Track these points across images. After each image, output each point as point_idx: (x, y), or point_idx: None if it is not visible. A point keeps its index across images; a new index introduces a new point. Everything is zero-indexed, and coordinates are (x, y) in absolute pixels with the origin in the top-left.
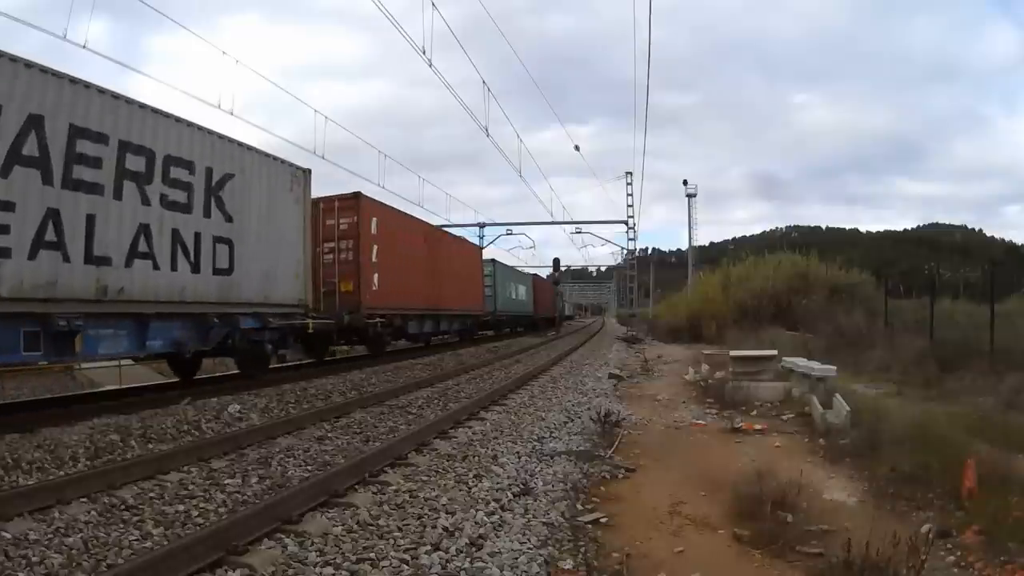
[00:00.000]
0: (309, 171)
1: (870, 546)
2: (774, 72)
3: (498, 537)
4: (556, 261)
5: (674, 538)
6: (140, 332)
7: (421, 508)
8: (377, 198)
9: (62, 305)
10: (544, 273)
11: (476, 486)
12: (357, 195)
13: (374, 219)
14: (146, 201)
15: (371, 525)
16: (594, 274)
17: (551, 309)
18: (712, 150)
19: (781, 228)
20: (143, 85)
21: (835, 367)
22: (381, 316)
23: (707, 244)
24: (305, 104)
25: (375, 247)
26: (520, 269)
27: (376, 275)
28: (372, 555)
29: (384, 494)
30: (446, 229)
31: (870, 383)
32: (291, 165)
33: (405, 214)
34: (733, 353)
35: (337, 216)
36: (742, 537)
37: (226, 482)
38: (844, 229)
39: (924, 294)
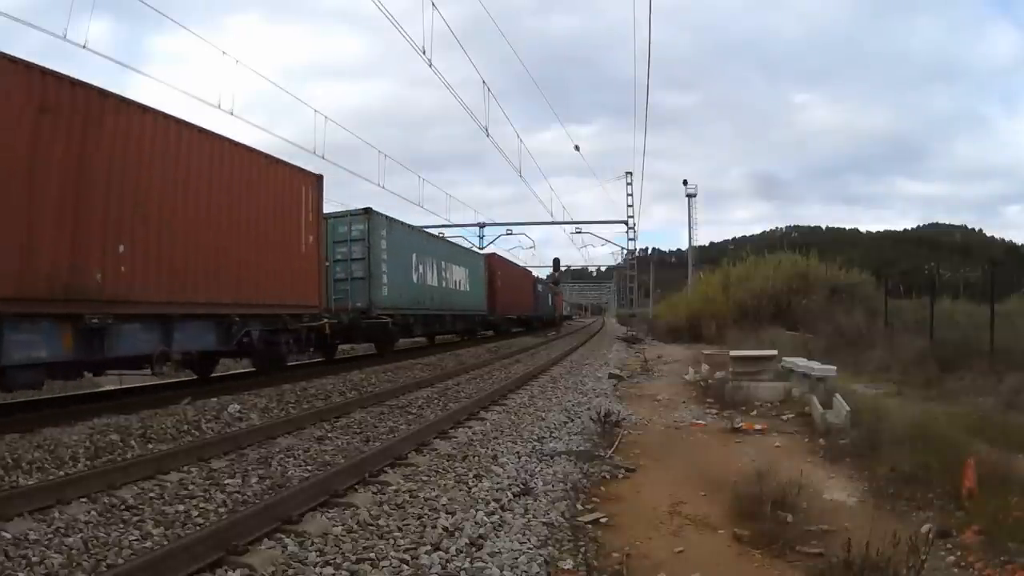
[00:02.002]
0: None
1: (870, 546)
2: (775, 72)
3: (498, 537)
4: (556, 261)
5: (674, 538)
6: None
7: (421, 508)
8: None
9: None
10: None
11: (476, 486)
12: None
13: None
14: None
15: (371, 525)
16: (594, 274)
17: (529, 306)
18: (712, 150)
19: (781, 228)
20: (144, 85)
21: (835, 367)
22: None
23: (707, 244)
24: (305, 104)
25: None
26: (462, 244)
27: None
28: (372, 555)
29: (384, 494)
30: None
31: (870, 383)
32: None
33: None
34: (733, 353)
35: None
36: (742, 537)
37: (226, 482)
38: (844, 229)
39: (924, 294)
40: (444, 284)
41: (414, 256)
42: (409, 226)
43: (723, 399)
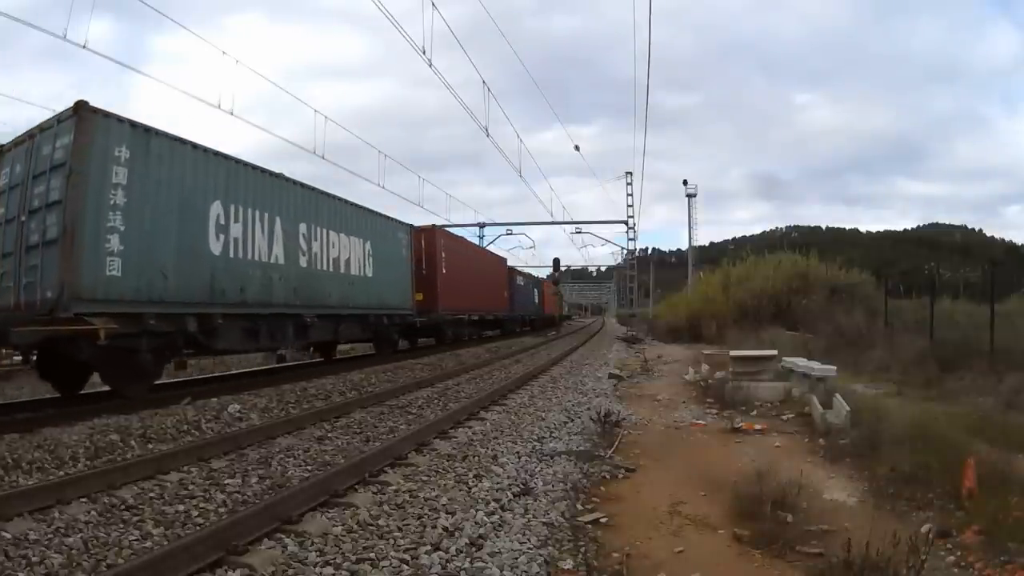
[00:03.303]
0: None
1: (870, 546)
2: (776, 73)
3: (498, 537)
4: (556, 261)
5: (674, 538)
6: None
7: (421, 508)
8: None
9: None
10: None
11: (476, 486)
12: None
13: None
14: None
15: (371, 525)
16: (594, 274)
17: (501, 304)
18: (713, 150)
19: (781, 228)
20: (144, 85)
21: (835, 367)
22: None
23: (707, 244)
24: (306, 104)
25: None
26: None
27: None
28: (372, 555)
29: (384, 494)
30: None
31: (870, 383)
32: None
33: None
34: (733, 353)
35: None
36: (742, 537)
37: (226, 482)
38: (844, 229)
39: (924, 294)
40: (306, 262)
41: (218, 205)
42: (204, 148)
43: (723, 399)
